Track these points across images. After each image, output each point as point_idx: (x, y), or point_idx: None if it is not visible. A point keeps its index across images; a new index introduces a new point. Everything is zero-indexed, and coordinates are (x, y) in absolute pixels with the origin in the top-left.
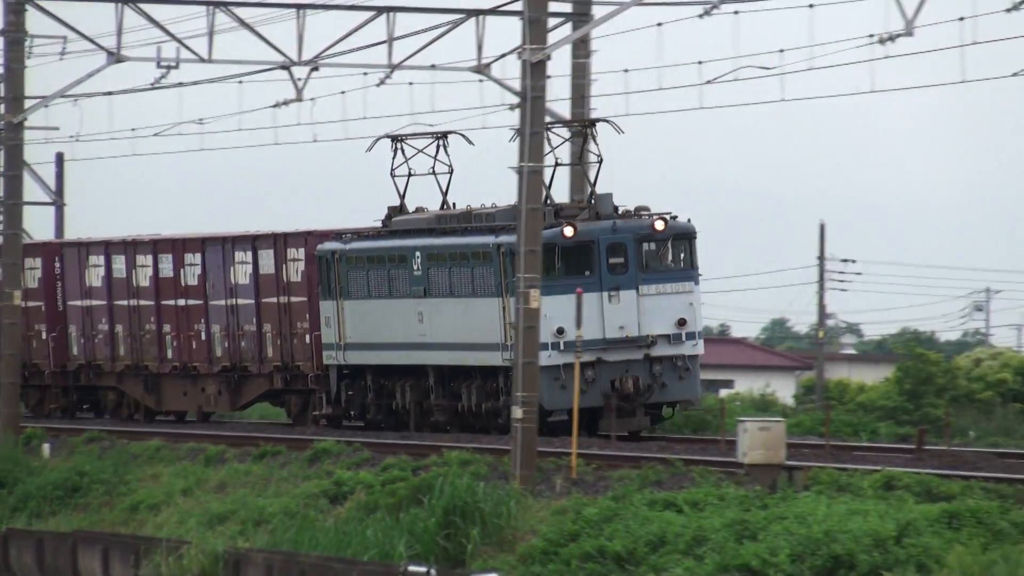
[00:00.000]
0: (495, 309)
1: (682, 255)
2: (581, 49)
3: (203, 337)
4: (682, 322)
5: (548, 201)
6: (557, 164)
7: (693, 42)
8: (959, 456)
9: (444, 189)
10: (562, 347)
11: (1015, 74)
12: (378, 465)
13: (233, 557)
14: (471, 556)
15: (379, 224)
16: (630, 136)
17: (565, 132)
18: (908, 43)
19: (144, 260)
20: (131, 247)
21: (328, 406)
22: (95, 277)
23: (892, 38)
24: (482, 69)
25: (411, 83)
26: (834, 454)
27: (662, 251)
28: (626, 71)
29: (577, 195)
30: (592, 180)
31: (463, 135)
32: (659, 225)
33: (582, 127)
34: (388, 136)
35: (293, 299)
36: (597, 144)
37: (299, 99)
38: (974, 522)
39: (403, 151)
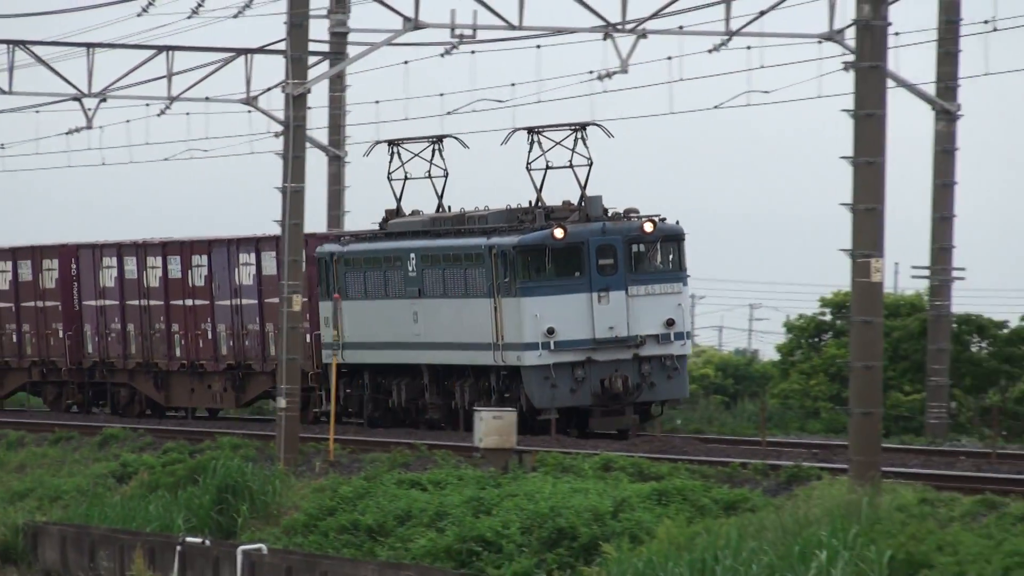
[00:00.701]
0: (487, 309)
1: (671, 256)
2: (337, 84)
3: (209, 336)
4: (671, 322)
5: (539, 204)
6: (548, 167)
7: (437, 76)
8: (668, 441)
9: (440, 192)
10: (552, 347)
11: (716, 107)
12: (159, 449)
13: (32, 529)
14: (241, 529)
15: (377, 227)
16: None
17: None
18: (623, 79)
19: (154, 262)
20: (142, 249)
21: (327, 403)
22: (108, 278)
23: (610, 75)
24: (250, 101)
25: (188, 113)
26: (560, 440)
27: (651, 253)
28: (377, 103)
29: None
30: (582, 183)
31: (458, 139)
32: (648, 227)
33: (572, 131)
34: (386, 141)
35: None
36: (587, 147)
37: (89, 127)
38: (680, 499)
39: (399, 155)
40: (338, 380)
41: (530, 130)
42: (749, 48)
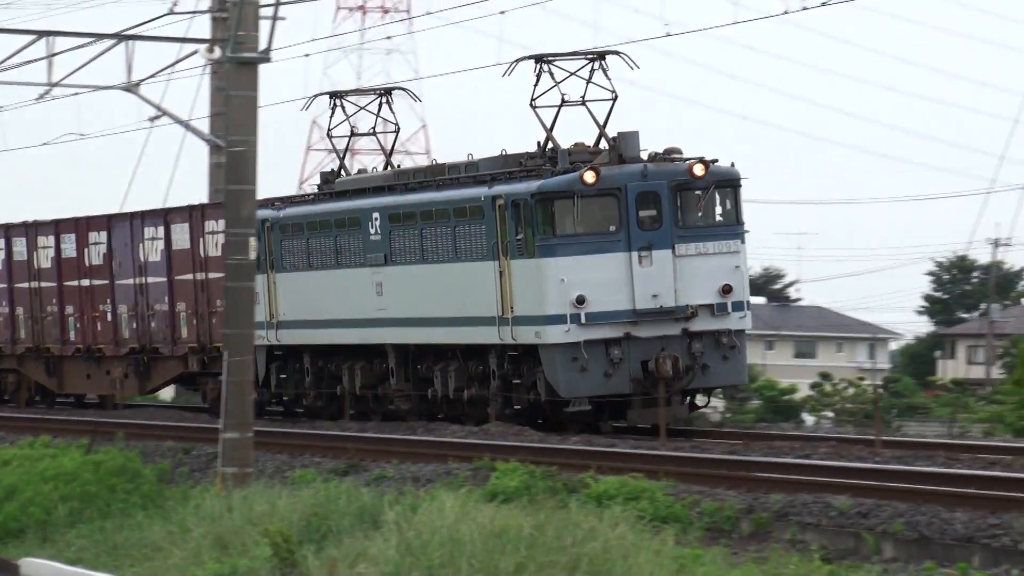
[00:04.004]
0: (488, 275)
1: (726, 207)
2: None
3: (108, 318)
4: (727, 289)
5: (550, 146)
6: (563, 103)
7: None
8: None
9: (389, 149)
10: (583, 320)
11: None
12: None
13: None
14: None
15: (311, 191)
16: None
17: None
18: None
19: (46, 241)
20: (32, 229)
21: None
22: None
23: None
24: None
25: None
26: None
27: (702, 202)
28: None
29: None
30: (603, 121)
31: (409, 91)
32: (698, 170)
33: (589, 60)
34: (328, 93)
35: (212, 275)
36: (609, 79)
37: None
38: None
39: (343, 108)
40: (269, 365)
41: (539, 59)
42: None
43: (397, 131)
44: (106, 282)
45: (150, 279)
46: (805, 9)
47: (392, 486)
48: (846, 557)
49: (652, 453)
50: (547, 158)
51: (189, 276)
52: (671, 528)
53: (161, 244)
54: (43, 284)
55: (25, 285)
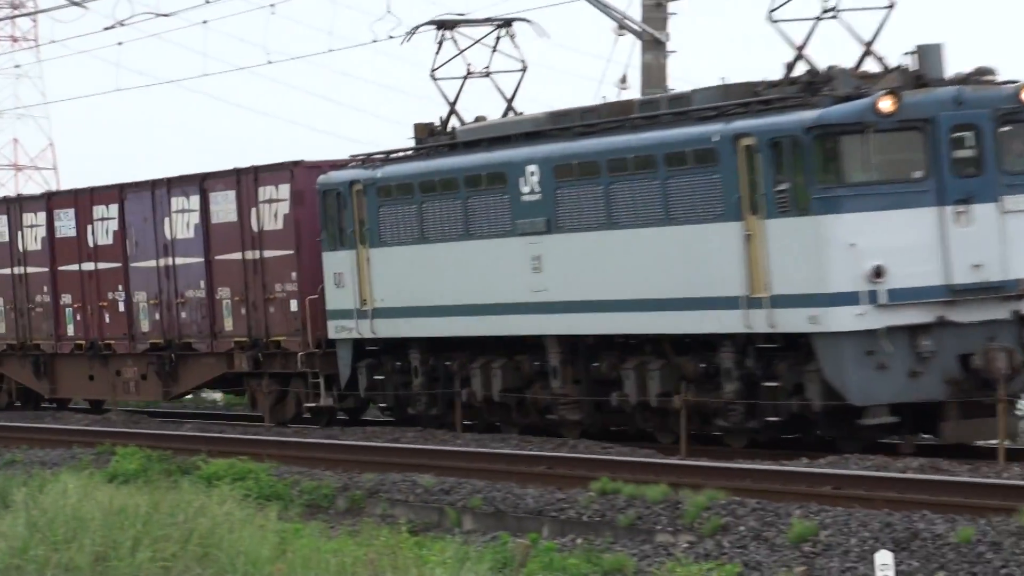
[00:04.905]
0: (727, 240)
1: None
2: None
3: (120, 308)
4: None
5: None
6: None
7: None
8: None
9: (512, 93)
10: (881, 299)
11: None
12: None
13: None
14: None
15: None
16: None
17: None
18: None
19: (34, 219)
20: (15, 205)
21: (328, 395)
22: None
23: None
24: None
25: None
26: None
27: None
28: None
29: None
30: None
31: (531, 22)
32: None
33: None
34: (434, 22)
35: (268, 253)
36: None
37: None
38: None
39: (456, 42)
40: (356, 363)
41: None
42: None
43: (524, 70)
44: (118, 265)
45: (178, 260)
46: None
47: (21, 469)
48: (431, 530)
49: (257, 438)
50: (806, 83)
51: (235, 255)
52: (274, 505)
53: (195, 217)
54: (31, 270)
55: (7, 271)
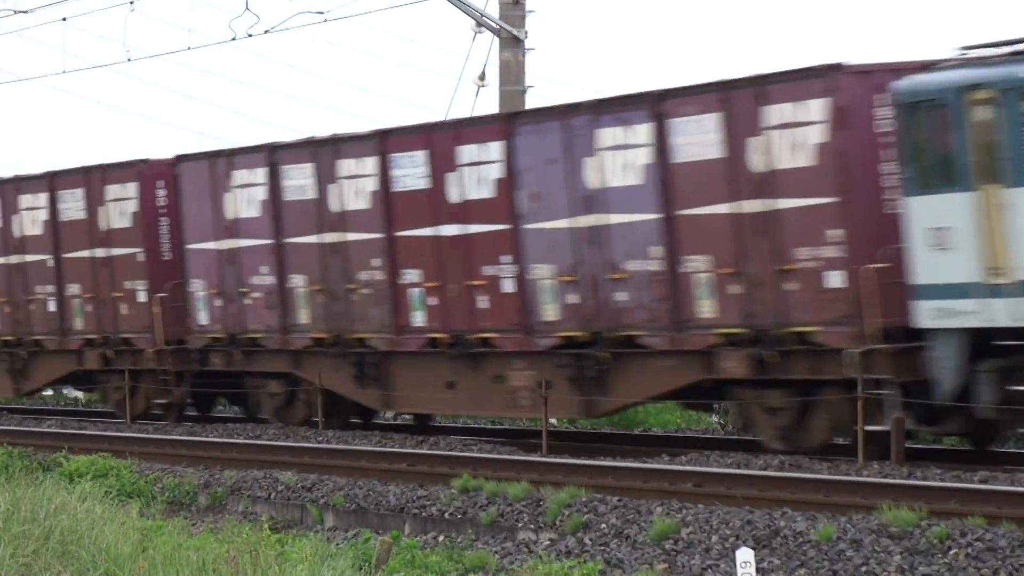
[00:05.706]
0: None
1: None
2: None
3: None
4: None
5: None
6: None
7: None
8: None
9: None
10: None
11: None
12: None
13: None
14: None
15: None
16: None
17: None
18: None
19: None
20: None
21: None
22: None
23: None
24: None
25: None
26: None
27: None
28: None
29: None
30: None
31: None
32: None
33: None
34: None
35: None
36: None
37: None
38: None
39: None
40: (975, 363)
41: None
42: None
43: None
44: None
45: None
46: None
47: None
48: (293, 527)
49: (119, 435)
50: None
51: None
52: (136, 502)
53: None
54: None
55: None
